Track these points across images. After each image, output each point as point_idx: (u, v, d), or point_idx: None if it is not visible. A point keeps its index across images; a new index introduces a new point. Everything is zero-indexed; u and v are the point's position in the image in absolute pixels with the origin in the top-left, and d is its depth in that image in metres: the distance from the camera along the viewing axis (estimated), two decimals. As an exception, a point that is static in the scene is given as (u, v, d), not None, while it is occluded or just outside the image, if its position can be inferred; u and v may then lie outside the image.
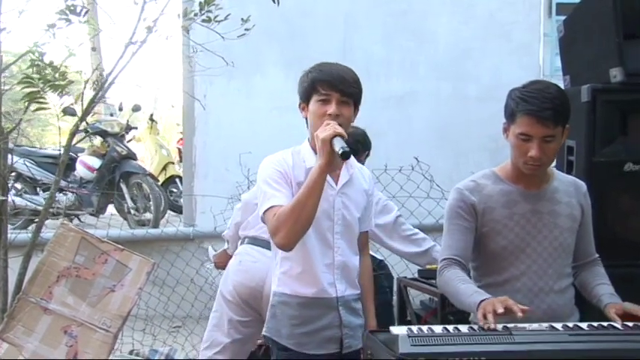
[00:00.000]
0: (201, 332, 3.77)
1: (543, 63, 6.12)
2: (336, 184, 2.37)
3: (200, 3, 2.97)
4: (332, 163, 2.20)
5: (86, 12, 2.69)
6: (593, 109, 2.87)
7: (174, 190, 8.04)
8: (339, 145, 2.13)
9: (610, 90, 2.90)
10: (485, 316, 2.00)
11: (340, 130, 2.17)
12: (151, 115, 9.87)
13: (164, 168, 8.49)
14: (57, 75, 3.17)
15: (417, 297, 3.41)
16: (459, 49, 5.99)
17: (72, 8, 2.66)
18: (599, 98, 2.88)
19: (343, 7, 5.90)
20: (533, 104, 2.15)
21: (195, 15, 2.95)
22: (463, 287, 2.23)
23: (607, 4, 2.95)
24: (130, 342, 4.67)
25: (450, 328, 1.97)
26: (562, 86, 3.32)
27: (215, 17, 3.19)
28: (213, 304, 3.30)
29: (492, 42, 6.00)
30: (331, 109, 2.25)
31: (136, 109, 7.74)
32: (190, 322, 5.16)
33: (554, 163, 3.12)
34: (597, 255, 2.45)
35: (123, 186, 6.81)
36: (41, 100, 3.25)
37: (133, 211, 6.78)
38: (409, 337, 1.80)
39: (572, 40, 3.23)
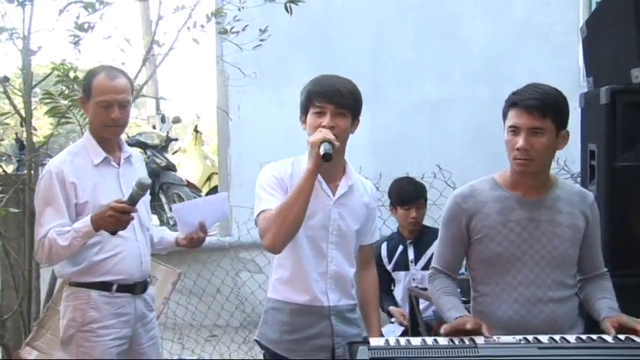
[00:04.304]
0: (227, 341, 3.79)
1: (583, 64, 5.92)
2: (334, 194, 2.38)
3: (207, 15, 3.00)
4: (319, 167, 2.23)
5: (92, 28, 2.76)
6: (612, 112, 2.76)
7: (220, 200, 8.10)
8: (323, 149, 2.17)
9: (631, 91, 2.78)
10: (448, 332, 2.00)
11: (330, 136, 2.21)
12: (196, 126, 10.03)
13: (209, 178, 8.59)
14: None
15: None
16: (494, 53, 5.85)
17: (79, 25, 2.74)
18: (620, 100, 2.77)
19: (373, 13, 5.84)
20: (520, 95, 2.14)
21: (202, 27, 2.98)
22: (444, 300, 2.24)
23: (628, 0, 2.83)
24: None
25: (429, 340, 1.95)
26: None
27: (231, 29, 3.21)
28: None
29: (529, 44, 5.85)
30: (325, 120, 2.27)
31: (176, 120, 7.90)
32: (217, 330, 5.10)
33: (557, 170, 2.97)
34: (605, 269, 2.33)
35: (162, 197, 6.96)
36: (66, 115, 3.35)
37: (172, 222, 6.90)
38: (369, 349, 1.79)
39: (594, 41, 3.11)
